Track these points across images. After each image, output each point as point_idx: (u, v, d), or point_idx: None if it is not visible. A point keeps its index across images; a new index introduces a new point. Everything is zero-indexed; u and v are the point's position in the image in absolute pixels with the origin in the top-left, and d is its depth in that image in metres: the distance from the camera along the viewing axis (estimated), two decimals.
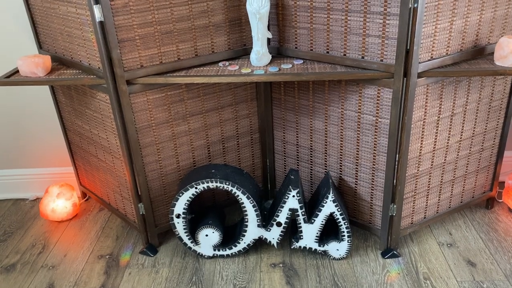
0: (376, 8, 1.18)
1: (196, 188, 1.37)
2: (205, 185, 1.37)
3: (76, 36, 1.32)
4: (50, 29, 1.43)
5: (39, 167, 1.83)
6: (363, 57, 1.26)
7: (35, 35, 1.51)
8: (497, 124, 1.47)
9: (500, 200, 1.64)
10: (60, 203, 1.67)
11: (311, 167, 1.55)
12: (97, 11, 1.18)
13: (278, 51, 1.44)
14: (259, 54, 1.35)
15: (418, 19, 1.12)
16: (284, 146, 1.59)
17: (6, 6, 1.57)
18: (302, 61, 1.37)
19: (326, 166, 1.50)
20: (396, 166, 1.33)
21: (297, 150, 1.56)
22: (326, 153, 1.48)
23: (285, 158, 1.61)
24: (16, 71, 1.40)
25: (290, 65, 1.34)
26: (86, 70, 1.35)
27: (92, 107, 1.43)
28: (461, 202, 1.54)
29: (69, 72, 1.38)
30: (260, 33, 1.34)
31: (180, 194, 1.38)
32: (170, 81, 1.31)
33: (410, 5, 1.11)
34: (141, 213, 1.47)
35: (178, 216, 1.41)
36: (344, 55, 1.29)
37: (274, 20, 1.40)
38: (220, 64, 1.40)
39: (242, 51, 1.44)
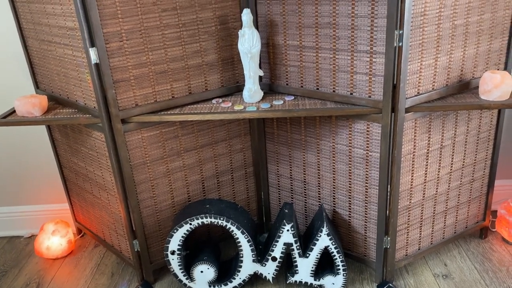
0: (362, 47, 1.22)
1: (190, 224, 1.38)
2: (199, 221, 1.38)
3: (72, 77, 1.36)
4: (47, 70, 1.47)
5: (35, 204, 1.84)
6: (351, 94, 1.29)
7: (32, 75, 1.55)
8: (486, 155, 1.49)
9: (494, 230, 1.65)
10: (55, 241, 1.67)
11: (305, 199, 1.56)
12: (93, 53, 1.22)
13: (270, 88, 1.48)
14: (251, 91, 1.39)
15: (403, 57, 1.16)
16: (278, 179, 1.61)
17: (4, 47, 1.62)
18: (293, 97, 1.41)
19: (319, 199, 1.52)
20: (388, 199, 1.34)
21: (291, 183, 1.58)
22: (319, 186, 1.50)
23: (279, 191, 1.63)
24: (13, 111, 1.42)
25: (282, 102, 1.38)
26: (82, 109, 1.38)
27: (88, 145, 1.45)
28: (455, 232, 1.55)
29: (65, 112, 1.41)
30: (252, 71, 1.37)
31: (175, 231, 1.38)
32: (164, 119, 1.33)
33: (395, 44, 1.16)
34: (136, 249, 1.47)
35: (172, 252, 1.41)
36: (334, 91, 1.33)
37: (265, 58, 1.44)
38: (214, 101, 1.43)
39: (235, 88, 1.48)
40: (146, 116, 1.33)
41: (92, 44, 1.21)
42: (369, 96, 1.26)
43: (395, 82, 1.21)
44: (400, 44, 1.15)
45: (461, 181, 1.47)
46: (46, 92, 1.53)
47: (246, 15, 1.32)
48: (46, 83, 1.51)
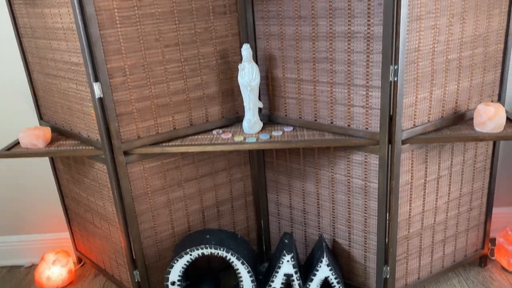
0: (359, 81, 1.26)
1: (190, 255, 1.39)
2: (199, 252, 1.39)
3: (76, 110, 1.39)
4: (51, 102, 1.50)
5: (36, 233, 1.84)
6: (349, 125, 1.32)
7: (36, 107, 1.58)
8: (483, 184, 1.51)
9: (493, 258, 1.65)
10: (55, 270, 1.67)
11: (305, 229, 1.57)
12: (96, 88, 1.25)
13: (269, 119, 1.51)
14: (251, 122, 1.42)
15: (399, 91, 1.20)
16: (278, 208, 1.62)
17: (11, 80, 1.65)
18: (292, 128, 1.43)
19: (319, 228, 1.53)
20: (387, 229, 1.36)
21: (291, 212, 1.59)
22: (319, 216, 1.51)
23: (279, 220, 1.64)
24: (17, 143, 1.45)
25: (281, 132, 1.40)
26: (85, 141, 1.40)
27: (90, 176, 1.47)
28: (454, 261, 1.55)
29: (68, 143, 1.43)
30: (251, 103, 1.41)
31: (175, 261, 1.39)
32: (166, 151, 1.36)
33: (391, 79, 1.19)
34: (136, 280, 1.47)
35: (173, 283, 1.41)
36: (331, 123, 1.36)
37: (264, 90, 1.48)
38: (214, 132, 1.46)
39: (235, 119, 1.51)
40: (148, 148, 1.35)
41: (96, 79, 1.25)
42: (366, 128, 1.29)
43: (391, 115, 1.24)
44: (395, 78, 1.19)
45: (459, 210, 1.49)
46: (50, 123, 1.56)
47: (246, 50, 1.36)
48: (49, 115, 1.54)
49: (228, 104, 1.49)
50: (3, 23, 1.55)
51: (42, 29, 1.36)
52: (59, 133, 1.52)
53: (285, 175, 1.55)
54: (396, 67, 1.18)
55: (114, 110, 1.28)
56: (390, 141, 1.26)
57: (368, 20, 1.18)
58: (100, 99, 1.27)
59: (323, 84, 1.33)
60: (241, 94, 1.42)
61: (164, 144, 1.38)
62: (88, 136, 1.39)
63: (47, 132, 1.43)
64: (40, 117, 1.60)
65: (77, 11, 1.18)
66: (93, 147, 1.37)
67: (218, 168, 1.54)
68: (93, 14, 1.19)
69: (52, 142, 1.45)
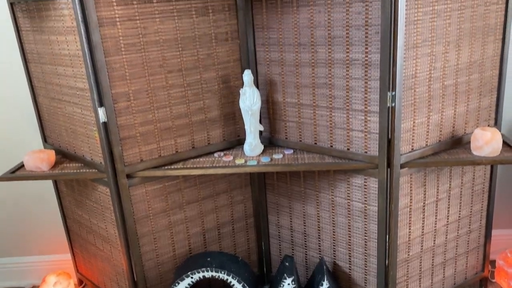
0: (357, 106, 1.28)
1: (191, 277, 1.39)
2: (200, 275, 1.40)
3: (80, 133, 1.41)
4: (56, 126, 1.53)
5: (37, 255, 1.85)
6: (348, 149, 1.34)
7: (41, 130, 1.61)
8: (482, 207, 1.53)
9: (494, 280, 1.66)
10: None
11: (306, 251, 1.58)
12: (101, 113, 1.28)
13: (270, 141, 1.53)
14: (252, 145, 1.44)
15: (397, 116, 1.23)
16: (279, 230, 1.63)
17: (16, 103, 1.69)
18: (292, 151, 1.46)
19: (320, 251, 1.53)
20: (387, 252, 1.37)
21: (291, 234, 1.60)
22: (319, 238, 1.52)
23: (280, 243, 1.65)
24: (22, 165, 1.47)
25: (281, 155, 1.43)
26: (88, 164, 1.42)
27: (93, 198, 1.48)
28: (454, 284, 1.55)
29: (72, 166, 1.46)
30: (252, 127, 1.43)
31: (176, 284, 1.40)
32: (168, 174, 1.38)
33: (388, 105, 1.22)
34: None
35: None
36: (331, 146, 1.38)
37: (265, 113, 1.50)
38: (216, 154, 1.48)
39: (236, 142, 1.54)
40: (151, 171, 1.37)
41: (101, 104, 1.28)
42: (366, 152, 1.31)
43: (389, 139, 1.26)
44: (393, 104, 1.22)
45: (458, 232, 1.50)
46: (54, 146, 1.58)
47: (247, 76, 1.39)
48: (54, 137, 1.57)
49: (230, 127, 1.51)
50: (11, 48, 1.59)
51: (48, 55, 1.40)
52: (63, 155, 1.54)
53: (286, 197, 1.57)
54: (393, 93, 1.21)
55: (118, 134, 1.31)
56: (389, 165, 1.28)
57: (366, 48, 1.22)
58: (104, 123, 1.29)
59: (323, 109, 1.36)
60: (242, 118, 1.45)
61: (166, 167, 1.40)
62: (92, 159, 1.41)
63: (51, 155, 1.45)
64: (45, 139, 1.63)
65: (84, 38, 1.22)
66: (96, 170, 1.39)
67: (219, 190, 1.56)
68: (99, 42, 1.23)
69: (56, 164, 1.47)
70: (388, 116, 1.24)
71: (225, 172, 1.37)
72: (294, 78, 1.40)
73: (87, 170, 1.40)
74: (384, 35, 1.17)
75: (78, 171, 1.41)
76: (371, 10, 1.18)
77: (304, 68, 1.36)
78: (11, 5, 1.48)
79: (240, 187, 1.60)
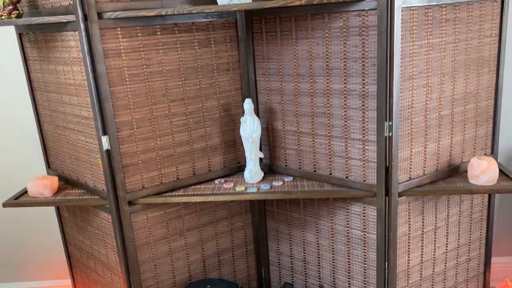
0: (355, 136, 1.31)
1: None
2: None
3: (83, 160, 1.44)
4: (60, 152, 1.55)
5: (37, 280, 1.85)
6: (347, 177, 1.36)
7: (45, 156, 1.63)
8: (481, 234, 1.53)
9: None
10: None
11: (306, 279, 1.58)
12: (104, 141, 1.31)
13: (270, 168, 1.55)
14: (252, 172, 1.46)
15: (394, 146, 1.25)
16: (279, 257, 1.64)
17: (21, 130, 1.72)
18: (292, 178, 1.48)
19: (320, 279, 1.54)
20: (386, 280, 1.37)
21: (291, 261, 1.60)
22: (319, 266, 1.53)
23: (279, 270, 1.65)
24: (25, 191, 1.49)
25: (281, 182, 1.45)
26: (91, 190, 1.44)
27: (94, 224, 1.50)
28: None
29: (75, 192, 1.48)
30: (253, 154, 1.46)
31: None
32: (169, 201, 1.40)
33: (386, 134, 1.25)
34: None
35: None
36: (330, 174, 1.40)
37: (265, 141, 1.53)
38: (216, 181, 1.50)
39: (237, 168, 1.56)
40: (152, 198, 1.39)
41: (105, 133, 1.31)
42: (364, 180, 1.33)
43: (387, 168, 1.28)
44: (390, 134, 1.24)
45: (457, 260, 1.50)
46: (57, 172, 1.60)
47: (248, 104, 1.43)
48: (57, 164, 1.60)
49: (230, 154, 1.54)
50: (19, 77, 1.63)
51: (54, 84, 1.44)
52: (66, 181, 1.56)
53: (286, 224, 1.58)
54: (390, 123, 1.23)
55: (120, 161, 1.33)
56: (387, 193, 1.30)
57: (363, 80, 1.25)
58: (108, 151, 1.32)
59: (322, 137, 1.39)
60: (242, 144, 1.48)
61: (167, 194, 1.42)
62: (94, 185, 1.43)
63: (54, 181, 1.47)
64: (48, 165, 1.65)
65: (89, 69, 1.26)
66: (98, 197, 1.41)
67: (220, 217, 1.57)
68: (104, 72, 1.27)
69: (59, 190, 1.49)
70: (386, 146, 1.26)
71: (225, 199, 1.39)
72: (293, 107, 1.43)
73: (90, 197, 1.42)
74: (381, 67, 1.21)
75: (80, 197, 1.43)
76: (368, 43, 1.22)
77: (303, 97, 1.40)
78: (20, 36, 1.53)
79: (240, 214, 1.61)
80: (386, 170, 1.28)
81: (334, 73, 1.31)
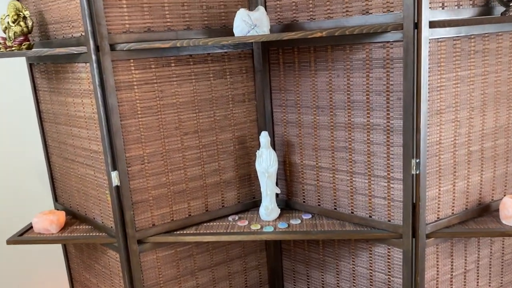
0: (379, 172, 1.23)
1: None
2: None
3: (92, 195, 1.38)
4: (67, 186, 1.49)
5: None
6: (370, 216, 1.28)
7: (52, 189, 1.58)
8: None
9: None
10: None
11: None
12: (114, 176, 1.25)
13: (286, 204, 1.48)
14: (268, 209, 1.38)
15: (421, 184, 1.17)
16: None
17: (29, 161, 1.67)
18: (310, 216, 1.39)
19: None
20: None
21: None
22: None
23: None
24: (30, 227, 1.42)
25: (299, 221, 1.36)
26: (99, 227, 1.37)
27: (102, 262, 1.42)
28: None
29: (82, 228, 1.41)
30: (269, 190, 1.38)
31: None
32: (180, 240, 1.32)
33: (412, 172, 1.17)
34: None
35: None
36: (352, 212, 1.32)
37: (282, 175, 1.46)
38: (230, 218, 1.42)
39: (252, 204, 1.48)
40: (163, 237, 1.32)
41: (114, 168, 1.24)
42: (389, 220, 1.24)
43: (414, 208, 1.20)
44: (417, 172, 1.16)
45: None
46: (65, 206, 1.54)
47: (264, 137, 1.36)
48: (65, 197, 1.53)
49: (245, 189, 1.46)
50: (28, 108, 1.59)
51: (64, 116, 1.39)
52: (74, 216, 1.50)
53: (303, 264, 1.49)
54: (418, 160, 1.16)
55: (130, 198, 1.27)
56: (414, 234, 1.21)
57: (388, 114, 1.19)
58: (117, 187, 1.26)
59: (343, 173, 1.31)
60: (258, 178, 1.41)
61: (178, 232, 1.34)
62: (103, 222, 1.36)
63: (61, 216, 1.41)
64: (56, 199, 1.59)
65: (100, 102, 1.21)
66: (106, 234, 1.33)
67: (233, 256, 1.49)
68: (115, 105, 1.21)
69: (66, 226, 1.42)
70: (412, 184, 1.18)
71: (239, 239, 1.31)
72: (312, 140, 1.36)
73: (97, 234, 1.35)
74: (407, 101, 1.14)
75: (87, 234, 1.36)
76: (393, 76, 1.16)
77: (322, 130, 1.33)
78: (30, 66, 1.49)
79: (255, 252, 1.52)
80: (413, 210, 1.20)
81: (356, 106, 1.24)
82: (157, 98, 1.27)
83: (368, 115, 1.22)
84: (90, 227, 1.41)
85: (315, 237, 1.28)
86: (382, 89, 1.19)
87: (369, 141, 1.24)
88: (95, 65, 1.19)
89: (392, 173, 1.21)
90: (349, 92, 1.25)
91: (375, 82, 1.19)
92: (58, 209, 1.53)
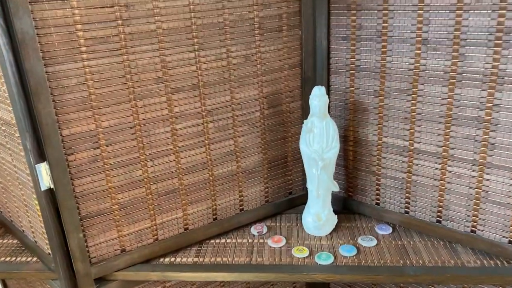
0: None
1: None
2: None
3: (16, 197, 0.79)
4: None
5: None
6: (511, 242, 0.72)
7: None
8: None
9: None
10: None
11: None
12: (41, 172, 0.65)
13: (344, 205, 0.91)
14: (320, 220, 0.81)
15: None
16: None
17: None
18: (391, 230, 0.83)
19: None
20: None
21: None
22: None
23: None
24: None
25: (374, 241, 0.80)
26: (31, 248, 0.80)
27: None
28: None
29: (6, 243, 0.84)
30: (321, 188, 0.81)
31: None
32: (170, 277, 0.76)
33: None
34: None
35: None
36: (473, 231, 0.75)
37: (340, 159, 0.87)
38: (253, 230, 0.86)
39: (286, 203, 0.92)
40: (140, 272, 0.75)
41: (42, 157, 0.64)
42: None
43: None
44: None
45: None
46: None
47: (318, 98, 0.76)
48: None
49: (277, 181, 0.89)
50: None
51: None
52: None
53: None
54: None
55: (76, 210, 0.69)
56: None
57: None
58: (50, 191, 0.67)
59: (464, 163, 0.72)
60: (296, 163, 0.83)
61: (167, 261, 0.78)
62: (36, 242, 0.79)
63: None
64: None
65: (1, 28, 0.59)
66: (42, 264, 0.77)
67: None
68: (31, 34, 0.59)
69: None
70: None
71: (273, 279, 0.75)
72: (405, 103, 0.77)
73: (26, 260, 0.78)
74: None
75: (8, 260, 0.79)
76: None
77: (429, 86, 0.73)
78: None
79: None
80: None
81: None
82: (119, 19, 0.65)
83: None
84: (18, 244, 0.84)
85: (414, 280, 0.72)
86: None
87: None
88: None
89: None
90: None
91: None
92: None
